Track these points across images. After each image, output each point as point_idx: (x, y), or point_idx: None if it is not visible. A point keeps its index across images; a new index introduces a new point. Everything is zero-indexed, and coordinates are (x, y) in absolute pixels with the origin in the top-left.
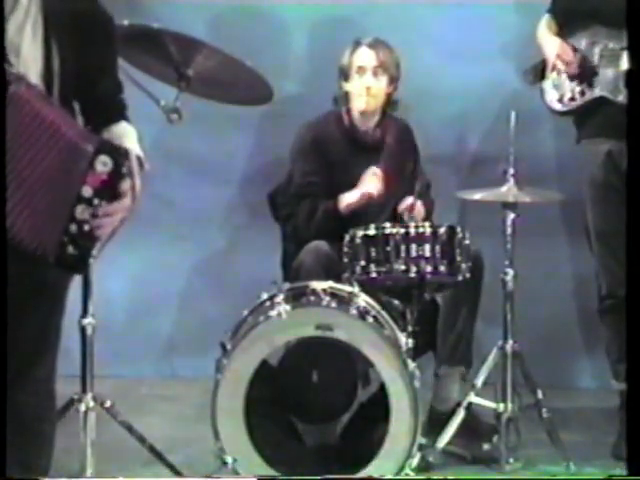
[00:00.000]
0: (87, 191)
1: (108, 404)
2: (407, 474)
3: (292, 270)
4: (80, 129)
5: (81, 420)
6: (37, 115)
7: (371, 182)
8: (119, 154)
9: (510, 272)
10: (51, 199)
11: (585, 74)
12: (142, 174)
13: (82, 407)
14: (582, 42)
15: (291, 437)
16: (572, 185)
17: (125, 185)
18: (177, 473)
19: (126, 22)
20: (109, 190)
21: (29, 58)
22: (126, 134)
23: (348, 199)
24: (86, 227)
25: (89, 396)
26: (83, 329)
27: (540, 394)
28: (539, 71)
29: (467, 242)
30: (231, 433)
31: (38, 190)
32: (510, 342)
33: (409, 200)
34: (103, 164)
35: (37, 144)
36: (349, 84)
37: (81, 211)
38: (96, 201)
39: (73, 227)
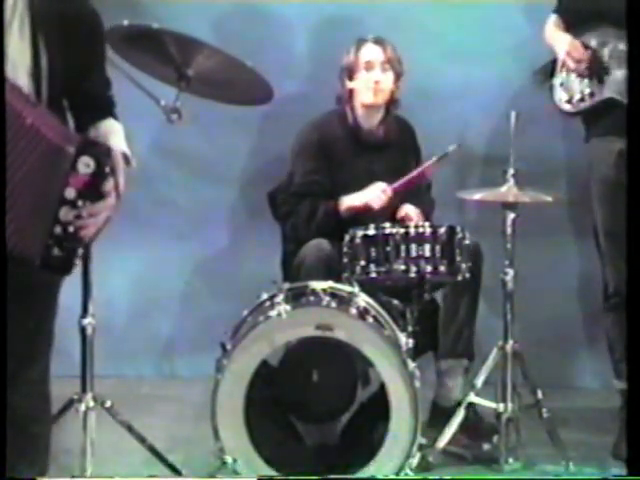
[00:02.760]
0: (70, 193)
1: (108, 404)
2: (407, 474)
3: (293, 267)
4: (62, 130)
5: (81, 420)
6: (17, 118)
7: (376, 197)
8: (101, 154)
9: (510, 272)
10: (34, 202)
11: (595, 72)
12: (128, 171)
13: (82, 407)
14: (592, 42)
15: (291, 437)
16: (575, 184)
17: (108, 185)
18: (177, 473)
19: (126, 22)
20: (92, 191)
21: (17, 56)
22: (113, 131)
23: (349, 202)
24: (71, 229)
25: (89, 396)
26: (83, 329)
27: (540, 394)
28: (549, 71)
29: (467, 242)
30: (231, 433)
31: (20, 193)
32: (510, 342)
33: (407, 209)
34: (85, 165)
35: (17, 147)
36: (354, 81)
37: (65, 213)
38: (80, 202)
39: (58, 229)
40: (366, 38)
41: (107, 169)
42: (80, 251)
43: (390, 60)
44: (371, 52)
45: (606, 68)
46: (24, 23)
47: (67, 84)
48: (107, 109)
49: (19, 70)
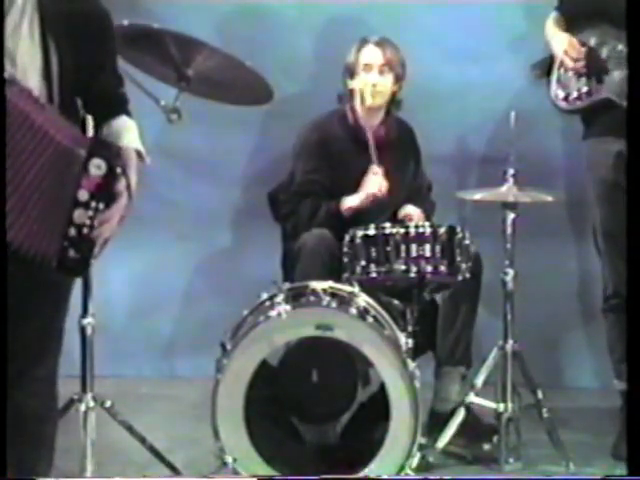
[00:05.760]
0: (83, 195)
1: (108, 404)
2: (407, 474)
3: (293, 251)
4: (72, 132)
5: (81, 420)
6: (26, 120)
7: (373, 182)
8: (112, 155)
9: (510, 272)
10: (46, 204)
11: (593, 71)
12: (142, 168)
13: (82, 407)
14: (591, 41)
15: (291, 437)
16: (575, 184)
17: (121, 185)
18: (177, 473)
19: (126, 22)
20: (105, 192)
21: (27, 58)
22: (126, 128)
23: (350, 202)
24: (85, 230)
25: (89, 396)
26: (83, 329)
27: (540, 394)
28: (546, 66)
29: (467, 242)
30: (231, 433)
31: (31, 196)
32: (510, 342)
33: (408, 209)
34: (97, 167)
35: (26, 149)
36: (354, 81)
37: (79, 215)
38: (93, 204)
39: (72, 231)
40: (369, 39)
41: (118, 170)
42: (95, 252)
43: (389, 62)
44: (370, 54)
45: (604, 67)
46: (33, 25)
47: (79, 83)
48: (120, 107)
49: (30, 72)
